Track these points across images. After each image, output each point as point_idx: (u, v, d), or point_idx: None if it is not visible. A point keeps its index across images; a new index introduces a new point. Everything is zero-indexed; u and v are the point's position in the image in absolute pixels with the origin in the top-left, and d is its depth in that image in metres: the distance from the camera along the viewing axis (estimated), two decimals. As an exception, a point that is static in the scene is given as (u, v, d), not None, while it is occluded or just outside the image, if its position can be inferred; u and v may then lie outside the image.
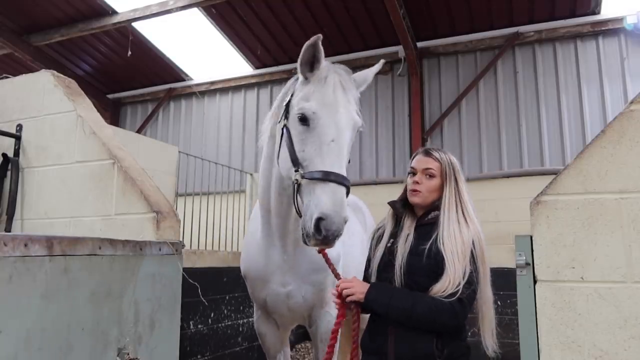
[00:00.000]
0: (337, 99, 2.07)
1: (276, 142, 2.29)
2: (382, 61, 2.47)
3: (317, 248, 2.11)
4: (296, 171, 2.01)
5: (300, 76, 2.19)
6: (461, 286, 1.88)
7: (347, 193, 1.96)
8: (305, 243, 1.98)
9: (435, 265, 1.96)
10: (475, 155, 8.04)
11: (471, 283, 1.92)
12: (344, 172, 1.97)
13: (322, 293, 2.58)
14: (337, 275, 2.20)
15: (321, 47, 2.07)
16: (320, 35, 2.05)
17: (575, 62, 7.74)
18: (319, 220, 1.85)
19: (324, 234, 1.85)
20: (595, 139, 1.56)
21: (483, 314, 2.08)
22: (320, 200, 1.87)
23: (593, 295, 1.49)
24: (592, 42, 7.68)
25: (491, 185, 6.90)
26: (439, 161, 2.12)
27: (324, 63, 2.14)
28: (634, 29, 7.31)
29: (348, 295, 2.01)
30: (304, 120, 2.04)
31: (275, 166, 2.34)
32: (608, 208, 1.51)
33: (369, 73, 2.35)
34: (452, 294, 1.88)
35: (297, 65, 2.13)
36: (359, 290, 1.99)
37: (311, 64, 2.12)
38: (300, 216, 2.02)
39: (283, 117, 2.22)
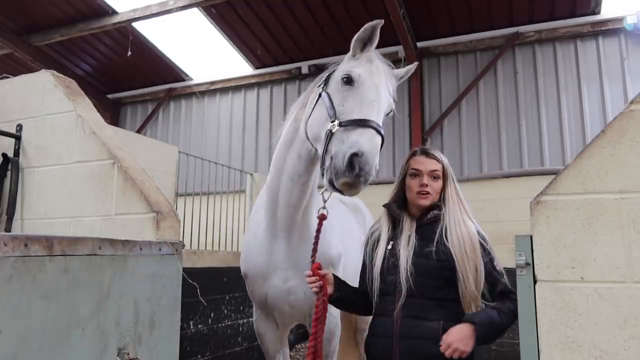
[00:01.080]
0: (381, 77, 2.14)
1: (307, 108, 2.30)
2: (415, 63, 2.57)
3: (320, 212, 2.15)
4: (332, 122, 2.01)
5: (350, 52, 2.24)
6: (504, 283, 1.97)
7: (382, 145, 1.96)
8: (332, 185, 1.93)
9: (443, 266, 1.97)
10: (475, 155, 8.04)
11: (499, 278, 1.99)
12: (381, 126, 1.99)
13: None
14: (313, 253, 2.20)
15: (378, 33, 2.16)
16: (382, 21, 2.15)
17: (575, 62, 7.74)
18: (354, 156, 1.82)
19: (356, 172, 1.81)
20: (595, 139, 1.56)
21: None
22: (358, 139, 1.86)
23: (593, 295, 1.49)
24: (592, 42, 7.68)
25: (491, 185, 6.91)
26: (441, 162, 2.14)
27: (374, 49, 2.22)
28: (634, 29, 7.31)
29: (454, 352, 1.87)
30: (348, 81, 2.08)
31: (293, 147, 2.36)
32: (608, 208, 1.51)
33: (405, 72, 2.44)
34: (509, 292, 1.95)
35: (353, 40, 2.20)
36: (465, 343, 1.86)
37: (364, 44, 2.19)
38: (323, 174, 2.00)
39: (322, 86, 2.24)
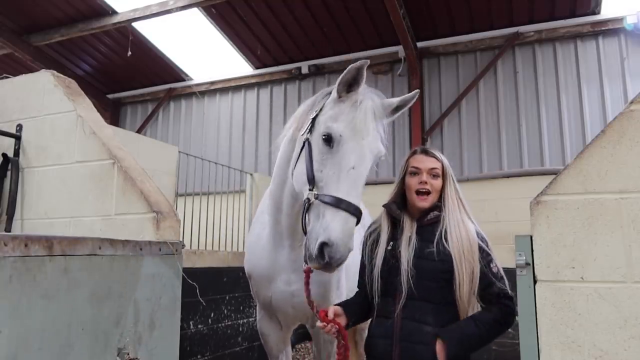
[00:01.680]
0: (367, 126, 2.03)
1: (295, 152, 2.25)
2: (416, 91, 2.41)
3: (305, 265, 2.09)
4: (310, 190, 1.99)
5: (334, 93, 2.14)
6: (495, 286, 1.96)
7: (358, 223, 1.93)
8: (306, 262, 1.96)
9: (442, 267, 1.97)
10: (475, 155, 8.04)
11: (502, 278, 1.99)
12: (358, 203, 1.94)
13: (326, 293, 2.57)
14: (311, 306, 2.15)
15: (365, 72, 2.04)
16: (367, 61, 2.03)
17: (575, 62, 7.74)
18: (324, 245, 1.83)
19: (326, 260, 1.83)
20: (595, 139, 1.56)
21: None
22: (329, 225, 1.85)
23: (593, 295, 1.49)
24: (592, 42, 7.68)
25: (491, 185, 6.91)
26: (440, 161, 2.14)
27: (362, 88, 2.11)
28: (634, 29, 7.31)
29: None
30: (328, 140, 2.00)
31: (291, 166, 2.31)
32: (608, 208, 1.51)
33: (401, 102, 2.30)
34: (494, 295, 1.95)
35: (336, 83, 2.10)
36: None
37: (350, 85, 2.08)
38: (305, 234, 2.00)
39: (307, 131, 2.17)
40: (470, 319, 1.96)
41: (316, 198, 1.95)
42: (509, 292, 1.98)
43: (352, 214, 1.89)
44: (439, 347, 1.89)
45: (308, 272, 2.14)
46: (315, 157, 2.05)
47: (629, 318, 1.44)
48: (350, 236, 1.86)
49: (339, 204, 1.88)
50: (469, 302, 1.96)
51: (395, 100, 2.27)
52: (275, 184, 2.50)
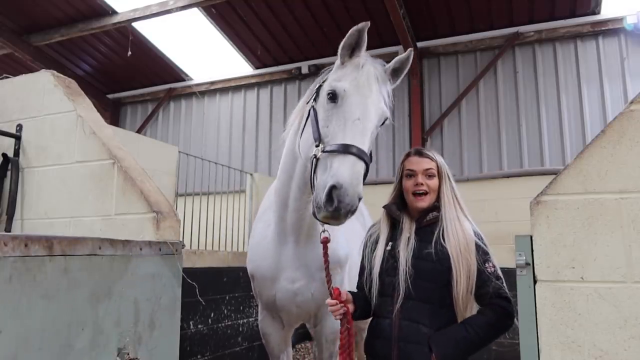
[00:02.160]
0: (370, 85, 2.05)
1: (301, 124, 2.26)
2: (410, 49, 2.39)
3: (323, 235, 2.10)
4: (317, 146, 1.98)
5: (337, 60, 2.16)
6: (490, 286, 1.94)
7: (367, 171, 1.91)
8: (315, 217, 1.93)
9: (440, 267, 1.97)
10: (475, 155, 8.03)
11: (499, 278, 1.97)
12: (365, 149, 1.91)
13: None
14: (328, 279, 2.14)
15: (366, 36, 2.05)
16: (368, 23, 2.04)
17: (575, 62, 7.74)
18: (332, 188, 1.78)
19: (335, 205, 1.77)
20: (595, 139, 1.56)
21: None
22: (337, 170, 1.81)
23: (593, 295, 1.49)
24: (592, 42, 7.68)
25: (491, 185, 6.92)
26: (435, 160, 2.14)
27: (364, 52, 2.12)
28: (634, 29, 7.31)
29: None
30: (333, 97, 2.02)
31: (299, 158, 2.29)
32: (608, 208, 1.51)
33: (400, 63, 2.29)
34: (488, 296, 1.94)
35: (339, 48, 2.10)
36: None
37: (352, 50, 2.10)
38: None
39: (312, 99, 2.20)
40: (461, 323, 1.94)
41: (323, 151, 1.93)
42: (506, 292, 1.96)
43: (360, 157, 1.85)
44: (433, 355, 1.88)
45: (325, 243, 2.13)
46: (321, 115, 2.06)
47: (629, 318, 1.44)
48: (359, 179, 1.82)
49: (345, 149, 1.86)
50: (466, 302, 1.95)
51: (391, 63, 2.26)
52: (282, 180, 2.49)
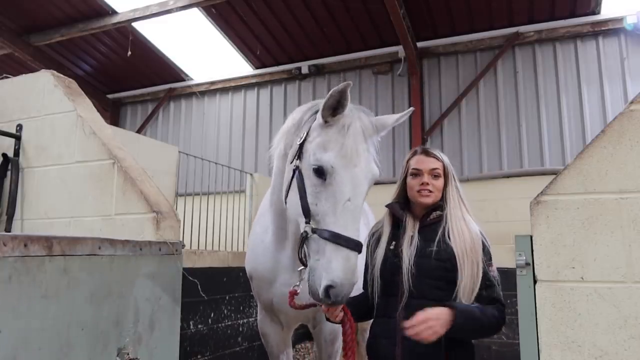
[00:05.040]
0: (358, 151, 1.96)
1: (285, 179, 2.17)
2: (411, 108, 2.33)
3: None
4: (307, 223, 1.93)
5: (319, 118, 2.06)
6: (494, 289, 1.95)
7: (360, 253, 1.89)
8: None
9: (443, 266, 1.97)
10: (475, 155, 8.03)
11: (498, 284, 1.98)
12: (357, 236, 1.88)
13: None
14: (306, 307, 2.18)
15: (348, 95, 1.96)
16: (350, 83, 1.93)
17: (575, 62, 7.74)
18: (329, 287, 1.79)
19: (332, 300, 1.81)
20: (595, 139, 1.56)
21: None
22: (331, 265, 1.80)
23: (593, 295, 1.49)
24: (592, 42, 7.68)
25: (491, 185, 6.91)
26: (441, 161, 2.13)
27: (348, 107, 2.02)
28: (634, 29, 7.31)
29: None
30: (320, 173, 1.93)
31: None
32: (608, 208, 1.51)
33: (389, 120, 2.20)
34: (496, 299, 1.95)
35: (321, 109, 2.02)
36: (441, 324, 1.83)
37: (334, 109, 2.00)
38: (305, 266, 1.97)
39: (295, 158, 2.09)
40: (474, 306, 1.92)
41: (314, 232, 1.89)
42: (502, 299, 1.98)
43: (352, 249, 1.83)
44: (447, 313, 1.83)
45: (293, 294, 2.13)
46: (308, 189, 1.97)
47: (629, 318, 1.44)
48: (353, 273, 1.82)
49: (338, 240, 1.82)
50: (468, 298, 1.94)
51: (390, 122, 2.18)
52: (276, 195, 2.42)
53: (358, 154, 1.95)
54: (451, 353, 1.94)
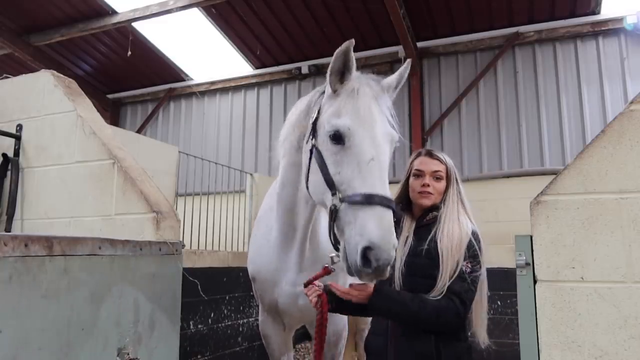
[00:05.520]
0: (372, 113, 1.88)
1: (303, 164, 2.09)
2: (408, 60, 2.25)
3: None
4: (333, 195, 1.81)
5: (327, 88, 2.01)
6: (455, 281, 1.92)
7: (395, 216, 1.77)
8: (352, 275, 1.79)
9: (432, 264, 1.99)
10: (475, 155, 8.04)
11: (465, 280, 1.94)
12: (388, 194, 1.77)
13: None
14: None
15: (353, 55, 1.90)
16: (352, 41, 1.86)
17: (575, 62, 7.74)
18: (367, 250, 1.64)
19: (374, 265, 1.64)
20: (595, 139, 1.56)
21: (477, 311, 2.08)
22: (367, 226, 1.66)
23: (593, 295, 1.49)
24: (592, 42, 7.68)
25: (491, 185, 6.91)
26: (445, 163, 2.14)
27: (355, 73, 1.97)
28: (634, 29, 7.31)
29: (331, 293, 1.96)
30: (337, 138, 1.84)
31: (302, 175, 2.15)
32: (608, 208, 1.51)
33: (391, 80, 2.14)
34: (450, 290, 1.91)
35: (327, 75, 1.96)
36: (360, 295, 1.90)
37: (342, 74, 1.94)
38: (337, 248, 1.83)
39: (310, 137, 2.02)
40: (415, 295, 1.92)
41: (342, 201, 1.77)
42: (464, 294, 1.92)
43: (387, 206, 1.71)
44: (368, 291, 1.88)
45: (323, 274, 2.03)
46: (328, 160, 1.89)
47: (629, 318, 1.44)
48: (391, 232, 1.68)
49: (369, 200, 1.70)
50: (438, 293, 1.93)
51: (393, 79, 2.13)
52: (288, 194, 2.35)
53: (372, 115, 1.88)
54: (442, 349, 1.94)
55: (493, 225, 5.95)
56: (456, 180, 2.15)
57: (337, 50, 1.89)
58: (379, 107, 1.94)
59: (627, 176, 1.50)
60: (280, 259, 2.53)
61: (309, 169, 2.03)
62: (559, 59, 7.82)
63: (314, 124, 2.02)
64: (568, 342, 1.49)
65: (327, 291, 2.01)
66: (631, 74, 7.34)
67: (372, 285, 1.91)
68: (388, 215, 1.71)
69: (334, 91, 1.98)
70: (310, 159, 2.01)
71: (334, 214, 1.81)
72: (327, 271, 1.98)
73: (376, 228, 1.66)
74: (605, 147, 1.54)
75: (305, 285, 2.04)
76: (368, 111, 1.88)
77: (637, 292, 1.44)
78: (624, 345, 1.44)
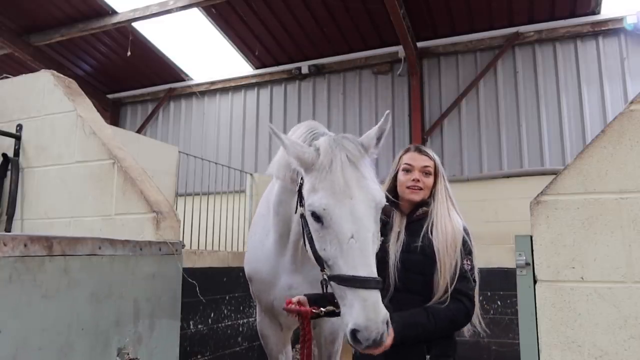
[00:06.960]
0: (350, 185, 1.82)
1: (299, 231, 2.15)
2: (388, 112, 2.12)
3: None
4: (322, 270, 1.86)
5: (302, 170, 1.97)
6: (459, 281, 1.95)
7: (382, 290, 1.78)
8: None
9: (427, 261, 2.01)
10: (475, 155, 8.03)
11: (468, 278, 1.98)
12: (372, 272, 1.74)
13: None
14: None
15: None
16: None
17: (575, 62, 7.73)
18: (355, 331, 1.68)
19: (365, 344, 1.67)
20: (595, 139, 1.57)
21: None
22: (352, 310, 1.69)
23: (593, 295, 1.49)
24: (592, 42, 7.68)
25: (491, 185, 6.91)
26: (433, 159, 2.20)
27: (323, 143, 1.93)
28: (634, 29, 7.31)
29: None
30: (317, 218, 1.83)
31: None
32: (608, 208, 1.51)
33: (372, 133, 2.04)
34: (457, 291, 1.94)
35: (295, 162, 1.94)
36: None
37: (305, 156, 1.91)
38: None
39: (299, 205, 2.04)
40: (424, 309, 1.94)
41: (330, 279, 1.81)
42: (470, 292, 1.97)
43: (371, 287, 1.71)
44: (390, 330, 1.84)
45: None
46: (314, 235, 1.89)
47: (629, 318, 1.44)
48: (376, 311, 1.68)
49: (352, 283, 1.71)
50: (444, 292, 1.96)
51: (373, 133, 2.04)
52: (282, 211, 2.41)
53: (349, 188, 1.81)
54: (432, 346, 1.98)
55: (493, 225, 5.96)
56: (443, 176, 2.19)
57: (288, 149, 1.91)
58: (357, 173, 1.87)
59: (627, 176, 1.50)
60: (275, 262, 2.56)
61: (303, 235, 2.02)
62: (559, 59, 7.81)
63: (299, 192, 2.01)
64: (568, 342, 1.49)
65: (317, 297, 2.05)
66: (631, 74, 7.33)
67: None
68: (372, 296, 1.70)
69: (311, 167, 1.92)
70: (302, 227, 2.00)
71: (325, 285, 1.85)
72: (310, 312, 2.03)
73: (361, 311, 1.66)
74: (605, 147, 1.54)
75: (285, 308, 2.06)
76: (344, 185, 1.81)
77: (637, 292, 1.44)
78: (624, 345, 1.44)
